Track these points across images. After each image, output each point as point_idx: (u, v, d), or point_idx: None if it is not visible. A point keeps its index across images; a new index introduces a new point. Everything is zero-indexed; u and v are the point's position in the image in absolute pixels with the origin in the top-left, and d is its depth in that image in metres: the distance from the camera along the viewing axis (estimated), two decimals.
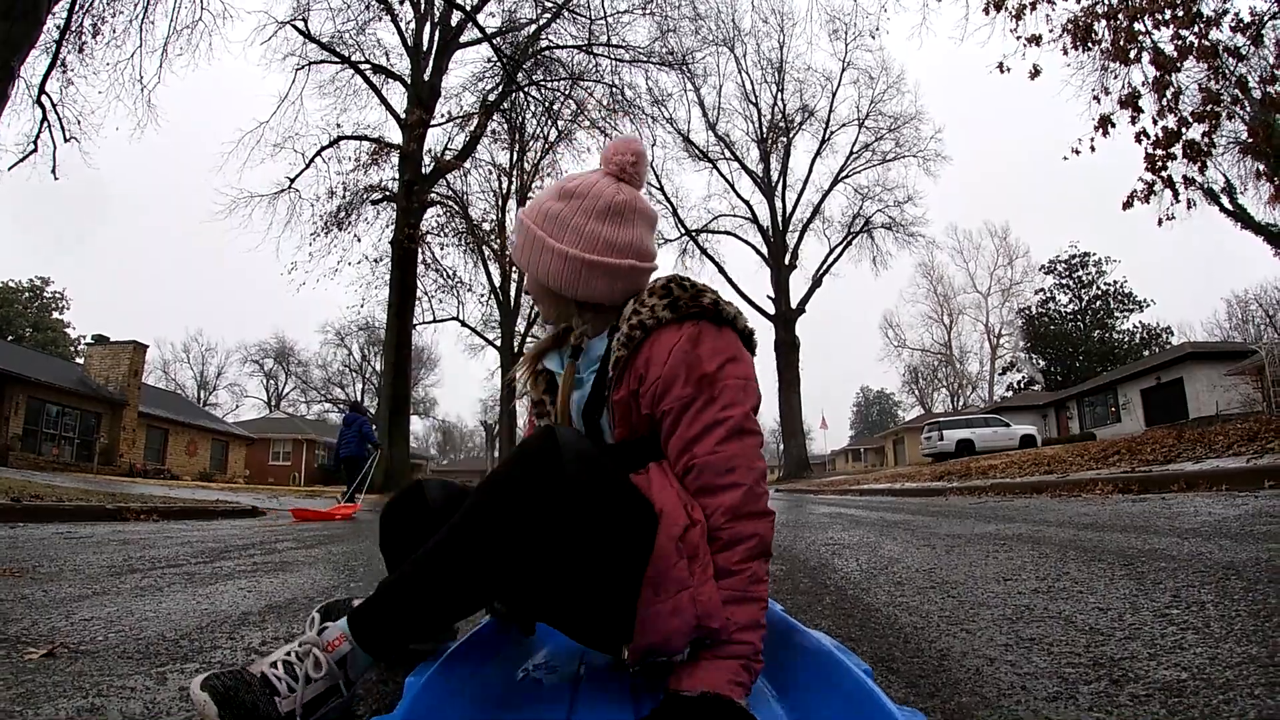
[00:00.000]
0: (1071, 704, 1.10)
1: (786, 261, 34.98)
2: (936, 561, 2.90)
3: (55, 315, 47.43)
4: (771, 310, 33.79)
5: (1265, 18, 7.86)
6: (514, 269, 30.45)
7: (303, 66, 19.55)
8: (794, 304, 34.11)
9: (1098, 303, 48.39)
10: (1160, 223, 8.43)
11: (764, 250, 35.46)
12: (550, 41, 21.47)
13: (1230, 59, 8.19)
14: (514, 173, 26.44)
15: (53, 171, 15.77)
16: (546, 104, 22.33)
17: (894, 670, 1.36)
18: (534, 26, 21.11)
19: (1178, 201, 7.63)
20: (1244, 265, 77.86)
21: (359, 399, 60.80)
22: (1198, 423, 14.53)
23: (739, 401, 1.05)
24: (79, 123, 15.92)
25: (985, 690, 1.21)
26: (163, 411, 30.13)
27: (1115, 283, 48.19)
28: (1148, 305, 47.78)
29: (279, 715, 0.97)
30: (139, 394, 27.12)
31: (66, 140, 15.76)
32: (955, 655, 1.44)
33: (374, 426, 13.13)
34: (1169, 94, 7.40)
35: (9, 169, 15.31)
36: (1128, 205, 8.00)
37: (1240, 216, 13.12)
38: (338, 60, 19.66)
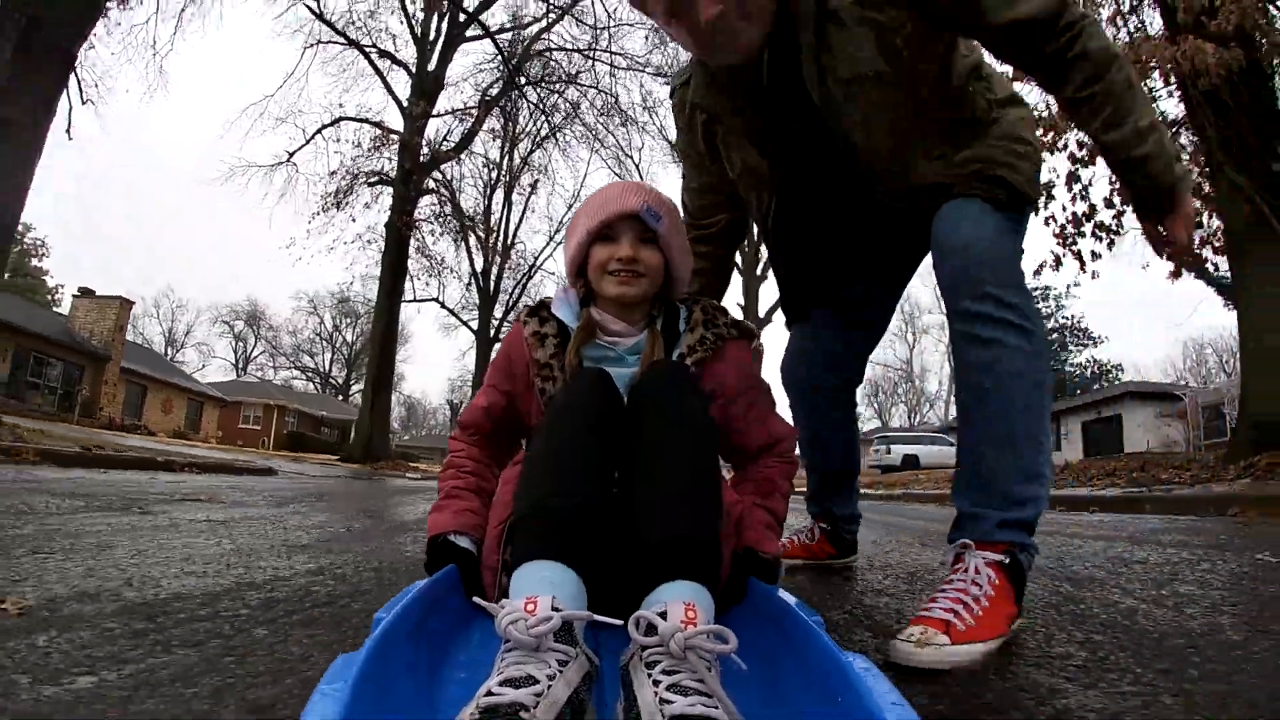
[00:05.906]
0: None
1: (758, 272, 36.17)
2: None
3: (35, 262, 46.96)
4: (740, 318, 34.83)
5: (1179, 123, 8.87)
6: (497, 256, 31.22)
7: (311, 45, 19.98)
8: (762, 314, 35.30)
9: (1053, 335, 50.31)
10: (1068, 290, 9.39)
11: (738, 259, 36.40)
12: (550, 43, 21.92)
13: None
14: (503, 163, 27.11)
15: (67, 132, 16.26)
16: (543, 103, 22.95)
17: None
18: (538, 27, 21.59)
19: (1084, 272, 8.73)
20: (1202, 308, 79.24)
21: (328, 369, 61.18)
22: (1131, 458, 15.59)
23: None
24: (96, 86, 16.37)
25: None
26: (141, 368, 30.48)
27: (1072, 317, 50.34)
28: (1101, 341, 50.22)
29: None
30: (121, 350, 27.55)
31: (84, 103, 16.25)
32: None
33: None
34: (1078, 187, 8.55)
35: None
36: (1037, 273, 9.16)
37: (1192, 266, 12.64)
38: (345, 42, 20.09)
